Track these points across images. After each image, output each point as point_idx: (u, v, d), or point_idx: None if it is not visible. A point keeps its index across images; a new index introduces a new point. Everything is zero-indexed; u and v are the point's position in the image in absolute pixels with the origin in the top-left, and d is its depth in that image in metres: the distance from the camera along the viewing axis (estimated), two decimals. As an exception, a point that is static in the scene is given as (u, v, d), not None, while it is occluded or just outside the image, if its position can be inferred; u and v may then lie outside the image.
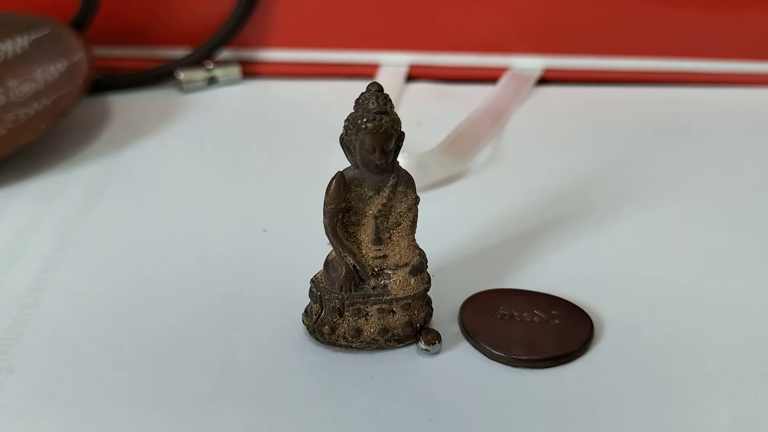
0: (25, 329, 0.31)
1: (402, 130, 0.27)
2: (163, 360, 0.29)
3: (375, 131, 0.26)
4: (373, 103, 0.26)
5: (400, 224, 0.28)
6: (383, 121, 0.26)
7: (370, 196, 0.28)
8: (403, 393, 0.27)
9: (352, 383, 0.28)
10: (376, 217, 0.28)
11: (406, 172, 0.28)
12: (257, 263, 0.35)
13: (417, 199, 0.28)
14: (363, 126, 0.26)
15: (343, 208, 0.28)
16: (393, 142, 0.27)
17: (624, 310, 0.31)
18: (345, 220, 0.28)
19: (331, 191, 0.27)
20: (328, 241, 0.28)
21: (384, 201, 0.28)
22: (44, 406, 0.27)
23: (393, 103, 0.27)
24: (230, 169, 0.43)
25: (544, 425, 0.26)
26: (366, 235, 0.28)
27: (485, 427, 0.26)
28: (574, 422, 0.26)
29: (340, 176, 0.27)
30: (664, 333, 0.30)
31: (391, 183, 0.28)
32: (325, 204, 0.27)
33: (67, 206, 0.39)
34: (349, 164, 0.28)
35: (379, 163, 0.27)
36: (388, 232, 0.28)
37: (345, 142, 0.27)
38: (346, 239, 0.28)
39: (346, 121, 0.27)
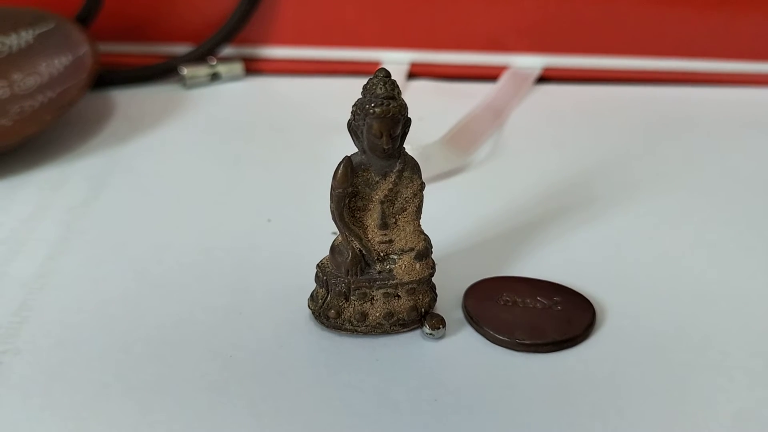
0: (32, 313, 0.31)
1: (409, 116, 0.27)
2: (170, 344, 0.29)
3: (382, 116, 0.26)
4: (380, 88, 0.27)
5: (405, 209, 0.29)
6: (390, 106, 0.27)
7: (377, 182, 0.28)
8: (407, 376, 0.28)
9: (357, 366, 0.28)
10: (382, 202, 0.28)
11: (412, 158, 0.28)
12: (262, 252, 0.35)
13: (422, 185, 0.29)
14: (371, 110, 0.26)
15: (350, 192, 0.28)
16: (400, 127, 0.27)
17: (625, 298, 0.32)
18: (351, 205, 0.28)
19: (338, 175, 0.27)
20: (334, 228, 0.29)
21: (390, 186, 0.28)
22: (50, 387, 0.27)
23: (400, 89, 0.27)
24: (233, 162, 0.43)
25: (546, 407, 0.27)
26: (372, 220, 0.29)
27: (489, 409, 0.26)
28: (576, 404, 0.27)
29: (347, 160, 0.27)
30: (664, 320, 0.31)
31: (397, 168, 0.28)
32: (333, 188, 0.28)
33: (72, 197, 0.39)
34: (356, 150, 0.28)
35: (386, 148, 0.27)
36: (394, 217, 0.29)
37: (352, 127, 0.28)
38: (353, 224, 0.28)
39: (353, 106, 0.27)
